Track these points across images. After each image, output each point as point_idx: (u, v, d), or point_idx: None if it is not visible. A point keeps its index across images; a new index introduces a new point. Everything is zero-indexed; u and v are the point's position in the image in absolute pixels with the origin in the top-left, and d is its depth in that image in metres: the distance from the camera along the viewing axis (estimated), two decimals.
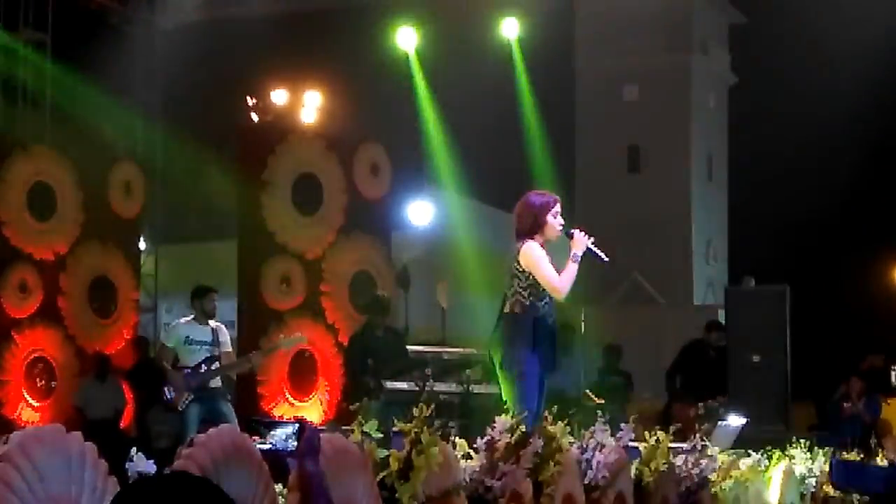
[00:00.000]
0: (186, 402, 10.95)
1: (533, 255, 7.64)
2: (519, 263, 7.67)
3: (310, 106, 16.02)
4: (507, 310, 7.71)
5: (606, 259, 7.75)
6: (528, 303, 7.63)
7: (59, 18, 17.62)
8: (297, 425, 7.49)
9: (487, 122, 25.94)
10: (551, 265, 7.64)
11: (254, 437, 7.33)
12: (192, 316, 11.35)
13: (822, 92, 31.52)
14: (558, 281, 7.60)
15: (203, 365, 11.04)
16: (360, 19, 21.84)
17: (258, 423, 10.90)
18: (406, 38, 19.17)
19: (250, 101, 15.59)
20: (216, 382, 11.22)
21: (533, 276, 7.62)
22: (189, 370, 11.02)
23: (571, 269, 7.66)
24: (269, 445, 7.69)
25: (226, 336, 11.42)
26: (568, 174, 40.42)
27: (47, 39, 17.52)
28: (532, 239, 7.70)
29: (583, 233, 7.73)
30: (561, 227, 7.72)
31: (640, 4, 36.17)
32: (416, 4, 20.51)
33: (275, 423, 10.40)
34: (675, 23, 40.29)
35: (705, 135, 42.27)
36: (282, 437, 7.71)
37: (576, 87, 42.08)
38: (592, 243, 7.72)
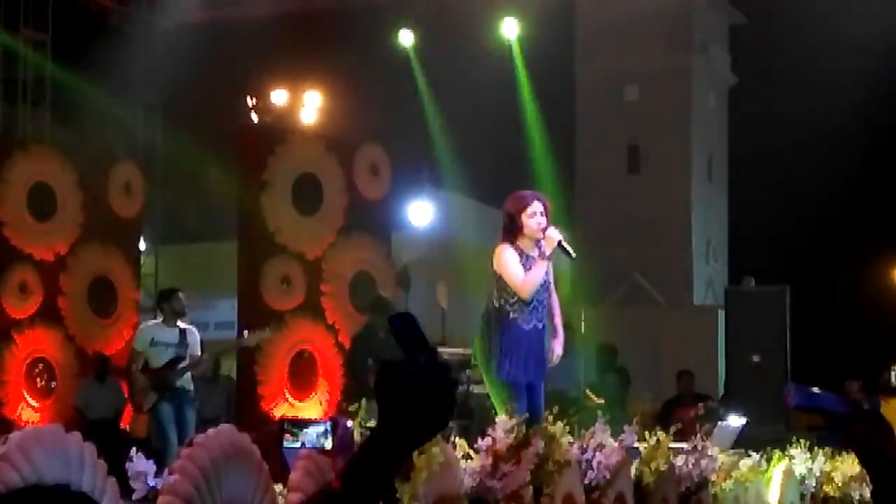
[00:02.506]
0: (152, 402, 11.20)
1: (501, 256, 7.64)
2: (492, 266, 7.69)
3: (310, 106, 16.03)
4: (483, 312, 7.76)
5: (574, 255, 7.75)
6: (498, 304, 7.64)
7: (59, 18, 17.64)
8: (329, 423, 7.52)
9: (488, 121, 25.93)
10: (520, 266, 7.59)
11: (286, 436, 7.37)
12: (160, 319, 11.57)
13: (821, 92, 31.52)
14: (521, 280, 7.56)
15: (168, 366, 11.25)
16: (360, 19, 21.84)
17: (290, 423, 10.95)
18: (406, 38, 19.18)
19: (250, 101, 15.59)
20: (184, 383, 11.39)
21: (503, 279, 7.62)
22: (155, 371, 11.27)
23: (538, 267, 7.60)
24: (301, 444, 7.70)
25: (195, 338, 11.59)
26: (568, 174, 40.43)
27: (47, 39, 17.53)
28: (511, 241, 7.67)
29: (556, 229, 7.67)
30: (540, 227, 7.64)
31: (640, 5, 36.05)
32: (416, 4, 20.52)
33: (307, 423, 10.41)
34: (675, 23, 40.24)
35: (705, 135, 42.23)
36: (314, 435, 7.72)
37: (576, 87, 42.04)
38: (564, 240, 7.67)
